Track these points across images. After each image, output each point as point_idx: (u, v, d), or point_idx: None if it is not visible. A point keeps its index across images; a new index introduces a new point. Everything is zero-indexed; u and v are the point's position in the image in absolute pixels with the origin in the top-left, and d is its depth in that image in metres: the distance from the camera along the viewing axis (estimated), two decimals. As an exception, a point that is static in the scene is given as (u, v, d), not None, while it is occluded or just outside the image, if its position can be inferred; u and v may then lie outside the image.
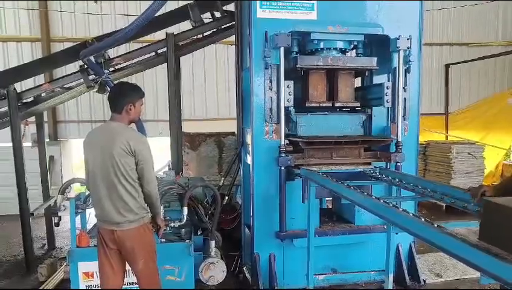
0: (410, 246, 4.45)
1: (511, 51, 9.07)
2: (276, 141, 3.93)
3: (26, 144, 6.38)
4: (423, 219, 1.96)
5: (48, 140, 7.91)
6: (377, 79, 4.42)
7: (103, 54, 5.00)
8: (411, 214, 2.07)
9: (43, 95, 5.31)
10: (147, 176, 2.85)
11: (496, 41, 10.41)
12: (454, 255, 1.66)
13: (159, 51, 5.26)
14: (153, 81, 8.85)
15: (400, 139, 4.08)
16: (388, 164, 4.11)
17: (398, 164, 4.03)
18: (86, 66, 4.99)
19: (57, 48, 8.33)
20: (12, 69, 5.49)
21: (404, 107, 4.13)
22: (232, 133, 6.38)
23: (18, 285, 4.60)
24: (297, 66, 3.89)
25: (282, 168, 3.87)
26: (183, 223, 3.91)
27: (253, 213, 4.07)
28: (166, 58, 5.11)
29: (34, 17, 8.51)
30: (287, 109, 3.97)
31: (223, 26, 5.23)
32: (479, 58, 9.40)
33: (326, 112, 4.22)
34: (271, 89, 3.95)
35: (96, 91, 5.11)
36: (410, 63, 4.06)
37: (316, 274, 3.90)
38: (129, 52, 5.35)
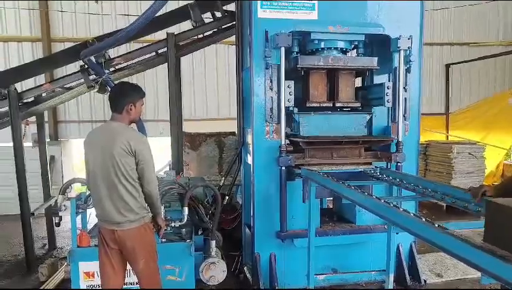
0: (411, 246, 4.45)
1: (511, 50, 9.06)
2: (277, 141, 3.93)
3: (27, 144, 6.38)
4: (424, 219, 1.96)
5: (49, 140, 7.92)
6: (378, 79, 4.42)
7: (104, 54, 5.00)
8: (412, 214, 2.07)
9: (43, 95, 5.31)
10: (147, 176, 2.85)
11: (496, 41, 10.41)
12: (455, 255, 1.66)
13: (160, 51, 5.26)
14: (154, 81, 8.86)
15: (400, 139, 4.07)
16: (389, 163, 4.11)
17: (399, 163, 4.03)
18: (86, 66, 4.99)
19: (58, 48, 8.34)
20: (13, 69, 5.50)
21: (405, 107, 4.13)
22: (233, 133, 6.38)
23: (19, 285, 4.60)
24: (297, 66, 3.89)
25: (283, 168, 3.87)
26: (183, 223, 3.91)
27: (253, 213, 4.07)
28: (167, 58, 5.11)
29: (34, 17, 8.52)
30: (287, 108, 3.96)
31: (223, 26, 5.23)
32: (480, 58, 9.40)
33: (329, 112, 4.19)
34: (271, 89, 3.95)
35: (97, 91, 5.11)
36: (410, 63, 4.06)
37: (316, 274, 3.89)
38: (130, 52, 5.35)
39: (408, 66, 4.07)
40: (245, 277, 4.45)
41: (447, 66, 10.25)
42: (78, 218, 3.77)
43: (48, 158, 5.89)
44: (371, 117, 4.30)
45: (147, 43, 5.44)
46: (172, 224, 3.88)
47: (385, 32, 4.07)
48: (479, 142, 8.35)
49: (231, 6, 5.06)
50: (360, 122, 4.21)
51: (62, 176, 7.92)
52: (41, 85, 5.32)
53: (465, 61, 9.98)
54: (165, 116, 8.00)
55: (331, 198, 4.90)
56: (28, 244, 5.02)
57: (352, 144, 3.96)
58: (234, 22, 4.94)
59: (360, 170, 3.96)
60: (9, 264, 5.27)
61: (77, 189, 6.98)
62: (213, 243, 4.00)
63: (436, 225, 1.85)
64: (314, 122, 4.08)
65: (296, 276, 4.06)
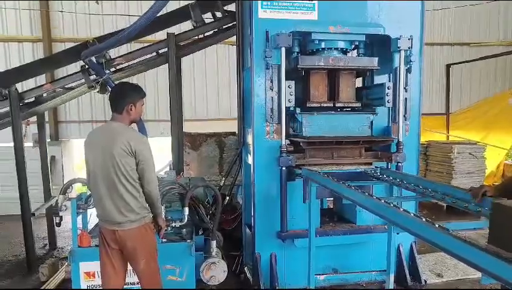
0: (411, 246, 4.45)
1: (511, 51, 9.06)
2: (277, 141, 3.94)
3: (28, 144, 6.39)
4: (424, 219, 1.96)
5: (49, 140, 7.93)
6: (378, 79, 4.42)
7: (104, 54, 5.01)
8: (412, 214, 2.07)
9: (44, 95, 5.32)
10: (147, 176, 2.86)
11: (496, 41, 10.40)
12: (455, 255, 1.66)
13: (160, 51, 5.26)
14: (154, 81, 8.86)
15: (401, 139, 4.08)
16: (389, 164, 4.11)
17: (399, 164, 4.03)
18: (87, 67, 5.00)
19: (58, 48, 8.34)
20: (14, 70, 5.50)
21: (405, 107, 4.13)
22: (233, 133, 6.38)
23: (19, 285, 4.61)
24: (298, 66, 3.89)
25: (283, 168, 3.87)
26: (184, 223, 3.92)
27: (254, 213, 4.07)
28: (168, 59, 5.11)
29: (35, 17, 8.52)
30: (288, 109, 3.97)
31: (224, 27, 5.23)
32: (480, 58, 9.39)
33: (332, 112, 4.17)
34: (272, 89, 3.95)
35: (98, 91, 5.12)
36: (411, 63, 4.07)
37: (317, 274, 3.89)
38: (130, 53, 5.35)
39: (408, 66, 4.07)
40: (245, 277, 4.45)
41: (448, 66, 10.24)
42: (79, 218, 3.78)
43: (49, 158, 5.89)
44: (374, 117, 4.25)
45: (148, 43, 5.45)
46: (173, 224, 3.89)
47: (385, 33, 4.07)
48: (479, 142, 8.34)
49: (232, 7, 5.06)
50: (364, 123, 4.16)
51: (63, 176, 7.93)
52: (42, 85, 5.32)
53: (466, 62, 9.98)
54: (165, 116, 7.99)
55: (332, 198, 4.90)
56: (29, 245, 5.03)
57: (352, 144, 3.96)
58: (235, 22, 4.94)
59: (360, 170, 3.96)
60: (10, 264, 5.28)
61: (78, 189, 7.00)
62: (214, 243, 4.01)
63: (437, 225, 1.85)
64: (317, 123, 4.04)
65: (297, 276, 4.07)
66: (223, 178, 5.24)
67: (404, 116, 4.14)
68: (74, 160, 9.27)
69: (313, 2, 3.95)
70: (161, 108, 8.94)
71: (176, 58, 5.15)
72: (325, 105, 4.12)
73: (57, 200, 3.99)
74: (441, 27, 10.22)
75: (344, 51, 4.12)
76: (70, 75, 5.27)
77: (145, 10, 4.35)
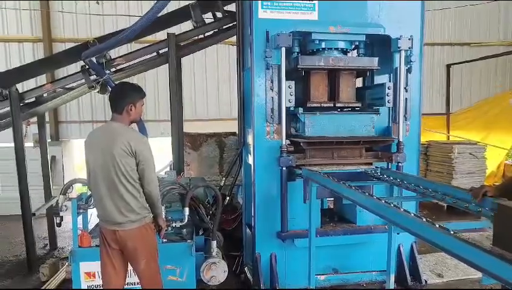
0: (412, 246, 4.44)
1: (512, 51, 9.07)
2: (278, 141, 3.94)
3: (28, 144, 6.40)
4: (424, 219, 1.96)
5: (50, 140, 7.93)
6: (379, 79, 4.42)
7: (105, 54, 5.01)
8: (412, 214, 2.07)
9: (45, 95, 5.32)
10: (147, 176, 2.86)
11: (497, 41, 10.40)
12: (455, 255, 1.66)
13: (161, 51, 5.27)
14: (155, 82, 8.86)
15: (401, 140, 4.08)
16: (389, 164, 4.11)
17: (400, 164, 4.03)
18: (87, 67, 5.00)
19: (59, 48, 8.35)
20: (14, 70, 5.50)
21: (406, 107, 4.13)
22: (233, 134, 6.39)
23: (20, 285, 4.61)
24: (298, 66, 3.89)
25: (284, 168, 3.87)
26: (184, 223, 3.92)
27: (254, 213, 4.07)
28: (168, 59, 5.11)
29: (35, 17, 8.53)
30: (288, 109, 3.97)
31: (224, 27, 5.23)
32: (481, 58, 9.39)
33: (335, 112, 4.15)
34: (272, 90, 3.95)
35: (98, 91, 5.12)
36: (411, 63, 4.06)
37: (317, 274, 3.89)
38: (130, 53, 5.35)
39: (409, 66, 4.07)
40: (246, 277, 4.45)
41: (448, 66, 10.24)
42: (79, 218, 3.78)
43: (49, 158, 5.90)
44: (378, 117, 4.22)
45: (148, 44, 5.45)
46: (173, 224, 3.89)
47: (386, 33, 4.07)
48: (479, 142, 8.34)
49: (232, 7, 5.06)
50: (367, 123, 4.11)
51: (63, 177, 7.93)
52: (43, 85, 5.33)
53: (466, 62, 9.97)
54: (166, 117, 8.02)
55: (332, 198, 4.90)
56: (29, 245, 5.03)
57: (353, 144, 3.96)
58: (235, 22, 4.94)
59: (361, 170, 3.96)
60: (10, 264, 5.28)
61: (78, 189, 6.99)
62: (214, 243, 4.01)
63: (437, 225, 1.85)
64: (319, 123, 4.00)
65: (297, 276, 4.06)
66: (224, 178, 5.24)
67: (405, 116, 4.13)
68: (75, 160, 9.27)
69: (313, 2, 3.95)
70: (161, 108, 8.95)
71: (176, 59, 5.15)
72: (325, 105, 4.12)
73: (57, 200, 3.99)
74: (441, 27, 10.22)
75: (344, 51, 4.12)
76: (71, 75, 5.27)
77: (146, 10, 4.35)
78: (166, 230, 3.36)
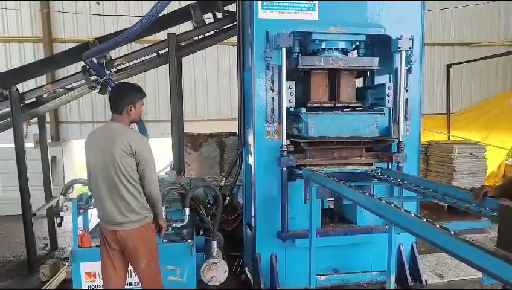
0: (412, 246, 4.44)
1: (512, 51, 9.06)
2: (278, 141, 3.94)
3: (29, 144, 6.40)
4: (425, 219, 1.96)
5: (50, 141, 7.93)
6: (379, 79, 4.42)
7: (105, 54, 5.01)
8: (412, 214, 2.07)
9: (45, 96, 5.32)
10: (147, 176, 2.86)
11: (497, 41, 10.40)
12: (456, 255, 1.66)
13: (161, 52, 5.27)
14: (155, 82, 8.87)
15: (401, 140, 4.07)
16: (390, 164, 4.11)
17: (400, 164, 4.03)
18: (87, 67, 5.00)
19: (59, 48, 8.36)
20: (15, 70, 5.50)
21: (406, 108, 4.13)
22: (234, 134, 6.38)
23: (20, 285, 4.61)
24: (299, 66, 3.89)
25: (284, 168, 3.87)
26: (184, 223, 3.92)
27: (254, 213, 4.07)
28: (168, 59, 5.12)
29: (36, 18, 8.53)
30: (288, 109, 3.97)
31: (224, 27, 5.23)
32: (481, 59, 9.39)
33: (339, 112, 4.12)
34: (272, 90, 3.95)
35: (98, 92, 5.12)
36: (411, 63, 4.06)
37: (317, 274, 3.90)
38: (131, 53, 5.35)
39: (409, 66, 4.07)
40: (246, 277, 4.45)
41: (448, 66, 10.24)
42: (80, 218, 3.78)
43: (50, 159, 5.90)
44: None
45: (148, 44, 5.45)
46: (174, 224, 3.89)
47: (386, 33, 4.07)
48: (480, 142, 8.33)
49: (232, 7, 5.07)
50: (371, 123, 4.07)
51: (63, 177, 7.93)
52: (43, 86, 5.33)
53: (466, 62, 9.97)
54: (166, 117, 8.03)
55: (332, 198, 4.90)
56: (30, 245, 5.03)
57: (353, 144, 3.95)
58: (235, 23, 4.94)
59: (361, 170, 3.96)
60: (11, 264, 5.28)
61: (79, 189, 7.00)
62: (214, 243, 4.01)
63: (437, 225, 1.85)
64: (322, 123, 3.96)
65: (297, 276, 4.06)
66: (224, 178, 5.24)
67: (405, 116, 4.13)
68: (75, 160, 9.28)
69: (314, 2, 3.95)
70: (161, 108, 8.96)
71: (177, 59, 5.16)
72: (326, 105, 4.12)
73: (57, 200, 3.99)
74: (442, 27, 10.22)
75: (345, 51, 4.12)
76: (71, 75, 5.27)
77: (146, 10, 4.35)
78: (166, 230, 3.36)
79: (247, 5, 4.20)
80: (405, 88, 4.07)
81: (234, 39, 5.03)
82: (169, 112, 5.36)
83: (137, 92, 2.99)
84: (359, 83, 4.61)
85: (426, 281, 4.35)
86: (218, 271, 3.87)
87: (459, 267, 4.69)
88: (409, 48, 3.96)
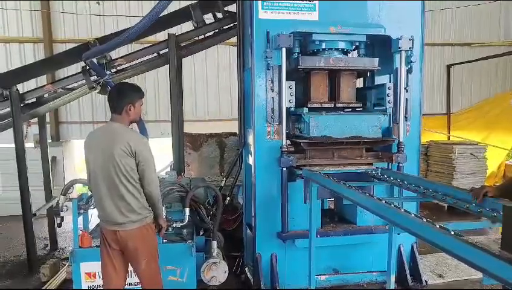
0: (412, 246, 4.44)
1: (513, 51, 9.06)
2: (278, 142, 3.94)
3: (29, 144, 6.40)
4: (425, 220, 1.96)
5: (50, 141, 7.93)
6: (379, 80, 4.42)
7: (105, 55, 5.01)
8: (413, 215, 2.07)
9: (45, 96, 5.32)
10: (147, 176, 2.86)
11: (498, 41, 10.40)
12: (456, 255, 1.66)
13: (161, 52, 5.27)
14: (155, 82, 8.87)
15: (401, 140, 4.07)
16: (390, 164, 4.10)
17: (400, 164, 4.03)
18: (88, 67, 5.00)
19: (59, 48, 8.36)
20: (15, 70, 5.51)
21: (406, 108, 4.13)
22: (234, 134, 6.38)
23: (21, 285, 4.61)
24: (299, 66, 3.89)
25: (284, 168, 3.87)
26: (185, 223, 3.92)
27: (255, 214, 4.07)
28: (168, 59, 5.12)
29: (36, 18, 8.53)
30: (288, 109, 3.97)
31: (224, 27, 5.23)
32: (481, 59, 9.39)
33: (341, 112, 4.11)
34: (272, 90, 3.95)
35: (98, 92, 5.13)
36: (412, 63, 4.06)
37: (317, 275, 3.90)
38: (131, 53, 5.35)
39: (409, 66, 4.07)
40: (246, 278, 4.46)
41: (449, 66, 10.24)
42: (80, 219, 3.78)
43: (50, 159, 5.90)
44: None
45: (149, 44, 5.45)
46: (174, 225, 3.89)
47: (386, 33, 4.07)
48: (480, 142, 8.33)
49: (232, 7, 5.07)
50: (374, 123, 4.04)
51: (64, 177, 7.93)
52: (43, 86, 5.33)
53: (467, 62, 9.97)
54: (166, 117, 8.02)
55: (332, 199, 4.90)
56: (30, 245, 5.03)
57: (353, 144, 3.95)
58: (235, 23, 4.94)
59: (361, 170, 3.96)
60: (11, 264, 5.28)
61: (79, 189, 7.00)
62: (214, 243, 4.01)
63: (437, 226, 1.85)
64: (324, 123, 3.94)
65: (297, 276, 4.07)
66: (224, 179, 5.24)
67: (405, 116, 4.13)
68: (75, 160, 9.27)
69: (314, 2, 3.95)
70: (162, 108, 8.96)
71: (177, 59, 5.16)
72: (326, 105, 4.12)
73: (58, 200, 3.99)
74: (442, 27, 10.22)
75: (345, 52, 4.12)
76: (72, 75, 5.27)
77: (146, 11, 4.35)
78: (166, 230, 3.36)
79: (247, 5, 4.21)
80: (405, 88, 4.07)
81: (234, 39, 5.03)
82: (169, 112, 5.36)
83: (136, 92, 2.99)
84: (359, 83, 4.61)
85: (426, 282, 4.35)
86: (218, 271, 3.87)
87: (459, 268, 4.69)
88: (409, 48, 3.97)
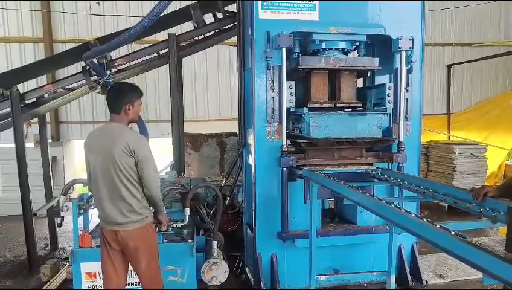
0: (412, 246, 4.44)
1: (513, 51, 9.06)
2: (278, 142, 3.94)
3: (29, 144, 6.40)
4: (425, 219, 1.96)
5: (51, 141, 7.93)
6: (379, 79, 4.42)
7: (105, 55, 5.01)
8: (413, 215, 2.07)
9: (45, 96, 5.33)
10: (147, 176, 2.85)
11: (498, 41, 10.39)
12: (456, 255, 1.66)
13: (161, 52, 5.27)
14: (155, 82, 8.87)
15: (402, 140, 4.07)
16: (390, 164, 4.10)
17: (400, 164, 4.03)
18: (88, 67, 5.00)
19: (60, 48, 8.36)
20: (15, 70, 5.51)
21: (406, 108, 4.13)
22: (234, 134, 6.38)
23: (21, 285, 4.61)
24: (299, 66, 3.89)
25: (284, 168, 3.87)
26: (185, 223, 3.92)
27: (255, 214, 4.07)
28: (169, 59, 5.12)
29: (36, 18, 8.53)
30: (289, 109, 3.97)
31: (224, 27, 5.24)
32: (481, 59, 9.39)
33: (342, 112, 4.11)
34: (273, 90, 3.95)
35: (99, 92, 5.13)
36: (412, 63, 4.06)
37: (318, 275, 3.89)
38: (131, 53, 5.36)
39: (409, 66, 4.07)
40: (246, 278, 4.46)
41: (449, 66, 10.23)
42: (80, 218, 3.78)
43: (50, 159, 5.90)
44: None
45: (149, 44, 5.45)
46: (174, 225, 3.89)
47: (386, 33, 4.07)
48: (480, 142, 8.33)
49: (232, 7, 5.07)
50: (374, 123, 4.04)
51: (64, 177, 7.94)
52: (44, 86, 5.33)
53: (467, 62, 9.97)
54: (166, 117, 8.02)
55: (333, 199, 4.90)
56: (30, 245, 5.03)
57: (354, 144, 3.95)
58: (235, 23, 4.94)
59: (361, 170, 3.96)
60: (12, 264, 5.28)
61: (79, 189, 7.00)
62: (215, 243, 4.01)
63: (438, 226, 1.85)
64: (325, 123, 3.94)
65: (298, 276, 4.06)
66: (224, 179, 5.24)
67: (405, 116, 4.13)
68: (75, 160, 9.28)
69: (314, 2, 3.95)
70: (162, 108, 8.95)
71: (177, 59, 5.16)
72: (326, 105, 4.11)
73: (58, 200, 3.99)
74: (442, 27, 10.21)
75: (345, 52, 4.12)
76: (72, 75, 5.28)
77: (146, 11, 4.35)
78: (166, 230, 3.36)
79: (247, 5, 4.20)
80: (405, 88, 4.07)
81: (234, 39, 5.03)
82: (169, 112, 5.36)
83: (135, 92, 2.98)
84: (359, 83, 4.61)
85: (427, 282, 4.35)
86: (218, 271, 3.87)
87: (460, 268, 4.69)
88: (409, 48, 3.97)
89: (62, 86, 5.28)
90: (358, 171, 3.96)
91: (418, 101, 4.29)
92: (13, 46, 8.53)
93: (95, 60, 4.91)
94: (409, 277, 4.29)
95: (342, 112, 4.14)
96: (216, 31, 5.28)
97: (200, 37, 5.31)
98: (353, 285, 4.27)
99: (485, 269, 1.50)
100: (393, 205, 2.30)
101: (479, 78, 10.49)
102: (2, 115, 5.27)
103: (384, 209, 2.34)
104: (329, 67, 3.98)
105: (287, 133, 3.94)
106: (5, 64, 8.29)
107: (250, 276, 4.36)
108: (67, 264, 4.61)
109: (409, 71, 4.09)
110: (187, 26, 5.46)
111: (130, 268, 3.06)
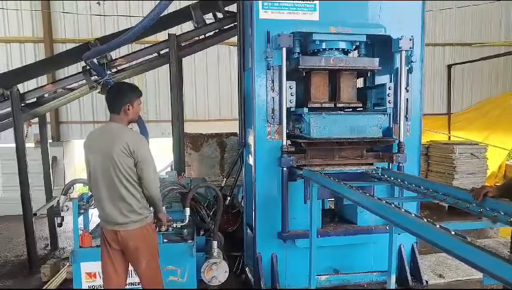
0: (413, 246, 4.44)
1: (513, 51, 9.06)
2: (278, 142, 3.94)
3: (29, 144, 6.40)
4: (425, 219, 1.96)
5: (51, 141, 7.94)
6: (379, 79, 4.42)
7: (106, 55, 5.02)
8: (413, 215, 2.07)
9: (46, 96, 5.33)
10: (146, 176, 2.84)
11: (498, 41, 10.39)
12: (456, 255, 1.66)
13: (162, 52, 5.27)
14: (155, 82, 8.86)
15: (402, 140, 4.07)
16: (390, 164, 4.10)
17: (401, 164, 4.02)
18: (88, 67, 5.00)
19: (60, 48, 8.37)
20: (16, 70, 5.51)
21: (407, 108, 4.13)
22: (234, 134, 6.38)
23: (21, 285, 4.61)
24: (299, 66, 3.89)
25: (284, 168, 3.87)
26: (185, 223, 3.92)
27: (255, 214, 4.07)
28: (169, 59, 5.12)
29: (36, 18, 8.54)
30: (289, 109, 3.97)
31: (225, 27, 5.24)
32: (482, 59, 9.39)
33: (342, 112, 4.11)
34: (273, 90, 3.95)
35: (99, 92, 5.13)
36: (412, 63, 4.06)
37: (318, 275, 3.89)
38: (131, 53, 5.36)
39: (410, 66, 4.07)
40: (246, 278, 4.46)
41: (449, 66, 10.23)
42: (80, 218, 3.78)
43: (50, 159, 5.90)
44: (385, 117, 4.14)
45: (149, 44, 5.46)
46: (174, 225, 3.88)
47: (386, 33, 4.07)
48: (481, 142, 8.33)
49: (233, 7, 5.07)
50: (374, 123, 4.04)
51: (64, 177, 7.94)
52: (44, 86, 5.33)
53: (467, 62, 9.97)
54: (166, 117, 8.02)
55: (333, 199, 4.90)
56: (30, 245, 5.03)
57: (354, 144, 3.95)
58: (236, 23, 4.94)
59: (361, 170, 3.96)
60: (12, 264, 5.29)
61: (79, 189, 7.00)
62: (215, 243, 4.01)
63: (438, 226, 1.85)
64: (325, 123, 3.93)
65: (298, 276, 4.06)
66: (224, 179, 5.24)
67: (406, 116, 4.13)
68: (75, 160, 9.28)
69: (314, 2, 3.95)
70: (162, 108, 8.95)
71: (177, 59, 5.16)
72: (326, 105, 4.11)
73: (58, 200, 3.99)
74: (443, 27, 10.21)
75: (345, 52, 4.12)
76: (72, 75, 5.28)
77: (146, 11, 4.36)
78: (166, 230, 3.36)
79: (247, 5, 4.20)
80: (405, 88, 4.07)
81: (235, 39, 5.03)
82: (169, 112, 5.36)
83: (134, 92, 2.98)
84: (360, 83, 4.61)
85: (427, 282, 4.34)
86: (218, 271, 3.87)
87: (460, 268, 4.69)
88: (410, 48, 3.97)
89: (62, 86, 5.29)
90: (359, 171, 3.96)
91: (418, 101, 4.29)
92: (13, 46, 8.53)
93: (95, 60, 4.92)
94: (409, 277, 4.29)
95: (342, 112, 4.14)
96: (216, 31, 5.29)
97: (201, 37, 5.31)
98: (353, 285, 4.27)
99: (485, 269, 1.50)
100: (393, 205, 2.30)
101: (479, 78, 10.49)
102: (2, 115, 5.28)
103: (384, 209, 2.34)
104: (329, 67, 3.98)
105: (287, 133, 3.94)
106: (5, 64, 8.29)
107: (250, 276, 4.36)
108: (67, 264, 4.61)
109: (409, 71, 4.09)
110: (187, 26, 5.46)
111: (130, 268, 3.06)
